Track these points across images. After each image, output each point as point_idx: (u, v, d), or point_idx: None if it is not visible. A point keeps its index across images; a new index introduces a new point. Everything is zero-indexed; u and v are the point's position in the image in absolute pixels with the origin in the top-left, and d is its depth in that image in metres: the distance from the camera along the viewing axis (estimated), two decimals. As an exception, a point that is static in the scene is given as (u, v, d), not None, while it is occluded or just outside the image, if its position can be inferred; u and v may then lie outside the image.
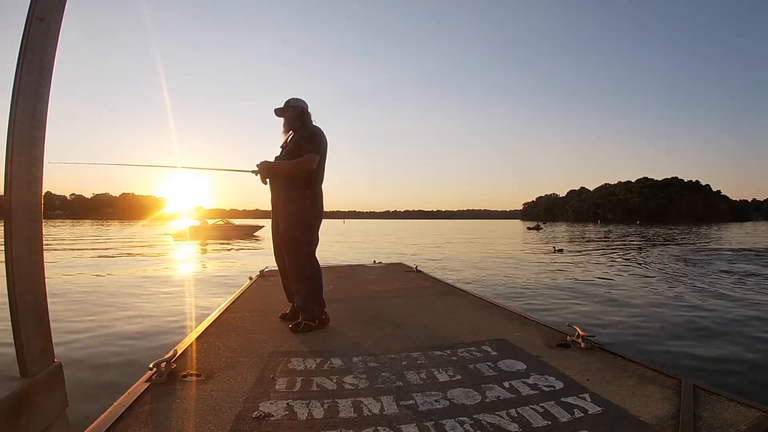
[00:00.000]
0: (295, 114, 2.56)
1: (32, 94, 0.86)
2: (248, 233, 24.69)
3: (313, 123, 2.58)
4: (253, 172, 2.54)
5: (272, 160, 2.55)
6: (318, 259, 2.56)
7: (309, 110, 2.60)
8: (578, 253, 12.90)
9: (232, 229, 24.47)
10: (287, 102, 2.59)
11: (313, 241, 2.52)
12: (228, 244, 17.89)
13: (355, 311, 2.83)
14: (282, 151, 2.58)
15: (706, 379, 2.39)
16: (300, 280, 2.46)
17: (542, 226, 42.97)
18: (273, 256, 2.66)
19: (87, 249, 14.17)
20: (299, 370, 1.70)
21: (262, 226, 25.88)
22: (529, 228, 39.20)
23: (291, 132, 2.60)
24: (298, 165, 2.41)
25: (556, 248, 14.15)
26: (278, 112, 2.62)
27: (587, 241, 19.73)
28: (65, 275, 7.53)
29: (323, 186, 2.60)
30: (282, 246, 2.51)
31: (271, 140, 2.99)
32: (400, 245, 18.22)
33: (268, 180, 2.57)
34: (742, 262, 9.75)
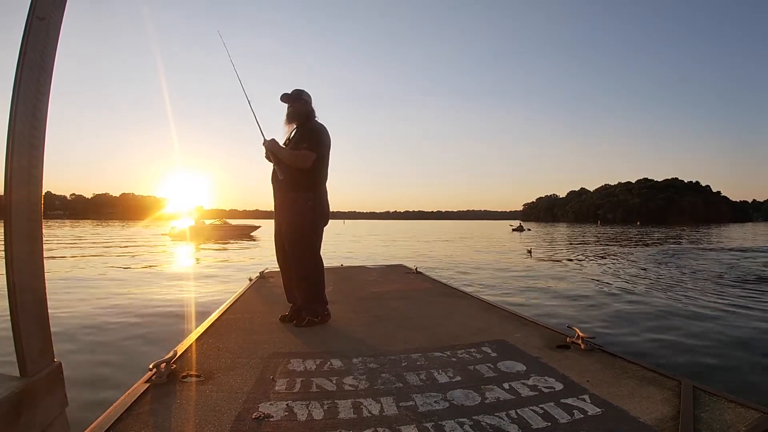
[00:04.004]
0: (303, 110, 2.52)
1: (32, 94, 0.86)
2: (245, 233, 24.73)
3: (317, 119, 2.56)
4: (264, 141, 2.50)
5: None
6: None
7: (313, 106, 2.57)
8: (552, 254, 13.11)
9: (230, 229, 24.50)
10: (299, 93, 2.53)
11: (316, 242, 2.52)
12: (225, 244, 17.89)
13: (355, 312, 2.83)
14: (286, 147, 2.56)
15: (706, 380, 2.39)
16: (303, 280, 2.47)
17: (524, 227, 42.64)
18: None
19: (86, 249, 14.16)
20: (299, 371, 1.70)
21: (259, 226, 25.93)
22: (513, 229, 38.86)
23: (294, 126, 2.57)
24: (294, 158, 2.40)
25: (529, 250, 14.31)
26: (287, 99, 2.53)
27: (570, 243, 19.72)
28: (65, 275, 7.52)
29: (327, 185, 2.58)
30: (286, 247, 2.51)
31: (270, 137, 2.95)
32: (369, 245, 18.30)
33: (272, 183, 2.56)
34: (742, 262, 9.75)
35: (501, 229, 43.89)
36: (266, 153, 2.51)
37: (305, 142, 2.42)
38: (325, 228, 2.60)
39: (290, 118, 2.56)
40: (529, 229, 40.76)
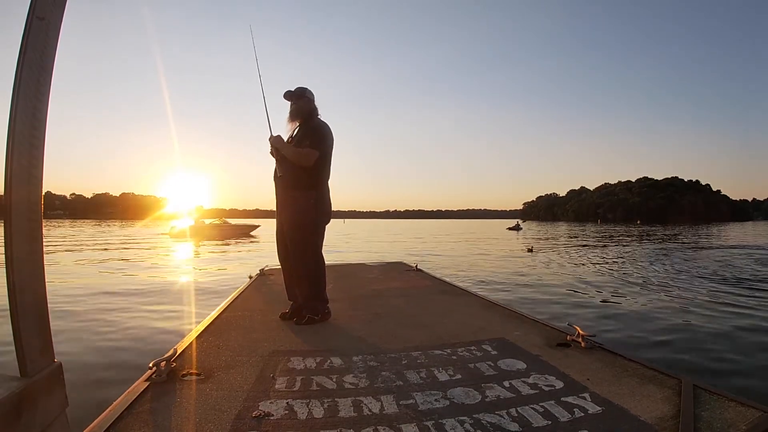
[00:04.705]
0: (306, 107, 2.52)
1: (32, 94, 0.86)
2: (245, 232, 24.79)
3: (320, 117, 2.55)
4: (270, 137, 2.48)
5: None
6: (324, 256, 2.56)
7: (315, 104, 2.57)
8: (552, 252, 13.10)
9: (230, 229, 24.55)
10: (302, 90, 2.52)
11: (318, 241, 2.52)
12: (225, 243, 17.90)
13: (355, 310, 2.83)
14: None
15: (707, 379, 2.39)
16: (304, 279, 2.47)
17: (521, 225, 41.89)
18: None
19: (85, 249, 14.17)
20: (299, 369, 1.70)
21: (259, 225, 25.98)
22: (509, 228, 38.41)
23: (297, 124, 2.56)
24: (297, 155, 2.39)
25: (529, 248, 14.28)
26: (290, 96, 2.52)
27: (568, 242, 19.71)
28: (64, 275, 7.53)
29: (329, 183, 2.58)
30: (287, 245, 2.50)
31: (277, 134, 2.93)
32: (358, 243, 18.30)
33: (274, 180, 2.55)
34: (743, 260, 9.74)
35: (501, 228, 43.84)
36: (271, 149, 2.51)
37: (308, 140, 2.42)
38: (326, 226, 2.61)
39: (293, 116, 2.54)
40: (525, 220, 39.88)
